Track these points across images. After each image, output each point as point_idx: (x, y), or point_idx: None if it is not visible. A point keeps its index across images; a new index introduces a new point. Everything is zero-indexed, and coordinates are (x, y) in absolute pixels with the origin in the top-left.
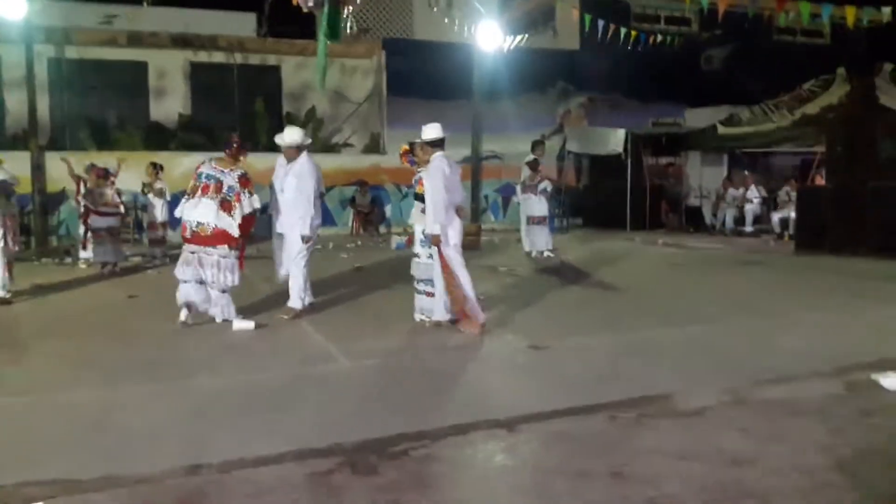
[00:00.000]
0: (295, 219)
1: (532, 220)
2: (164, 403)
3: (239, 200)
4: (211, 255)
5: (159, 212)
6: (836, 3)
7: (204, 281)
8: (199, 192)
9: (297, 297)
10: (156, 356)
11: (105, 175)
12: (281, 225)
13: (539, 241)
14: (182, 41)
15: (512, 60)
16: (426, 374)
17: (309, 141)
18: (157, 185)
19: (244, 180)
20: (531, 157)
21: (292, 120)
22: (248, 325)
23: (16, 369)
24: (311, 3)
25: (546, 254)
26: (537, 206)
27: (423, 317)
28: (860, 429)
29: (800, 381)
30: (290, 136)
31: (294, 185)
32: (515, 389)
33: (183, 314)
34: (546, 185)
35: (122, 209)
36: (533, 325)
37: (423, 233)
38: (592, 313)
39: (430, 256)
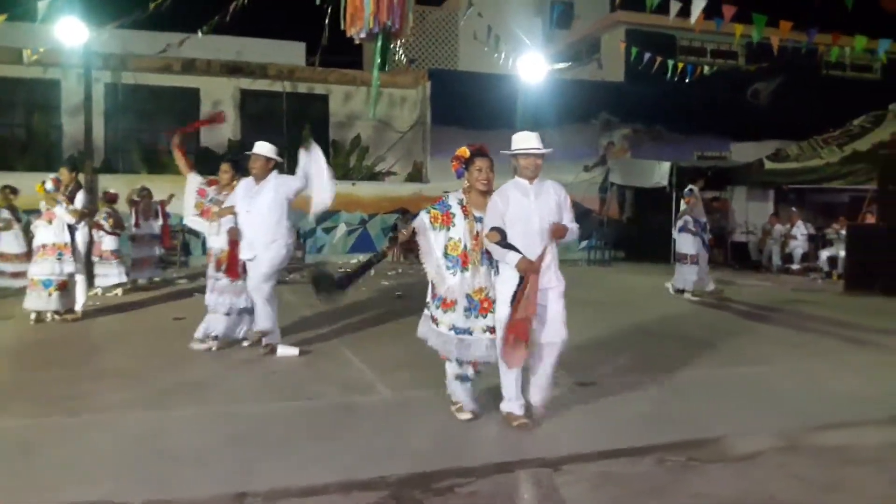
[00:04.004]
0: (265, 242)
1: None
2: (210, 428)
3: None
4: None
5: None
6: (894, 39)
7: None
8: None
9: (269, 318)
10: (202, 379)
11: (114, 199)
12: (248, 249)
13: (680, 279)
14: (233, 69)
15: (555, 91)
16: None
17: (280, 160)
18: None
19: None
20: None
21: (338, 147)
22: (293, 351)
23: (69, 389)
24: (363, 35)
25: (687, 295)
26: (679, 242)
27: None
28: None
29: (855, 428)
30: (260, 147)
31: (267, 204)
32: (562, 428)
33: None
34: (684, 221)
35: (119, 232)
36: (578, 360)
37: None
38: (638, 350)
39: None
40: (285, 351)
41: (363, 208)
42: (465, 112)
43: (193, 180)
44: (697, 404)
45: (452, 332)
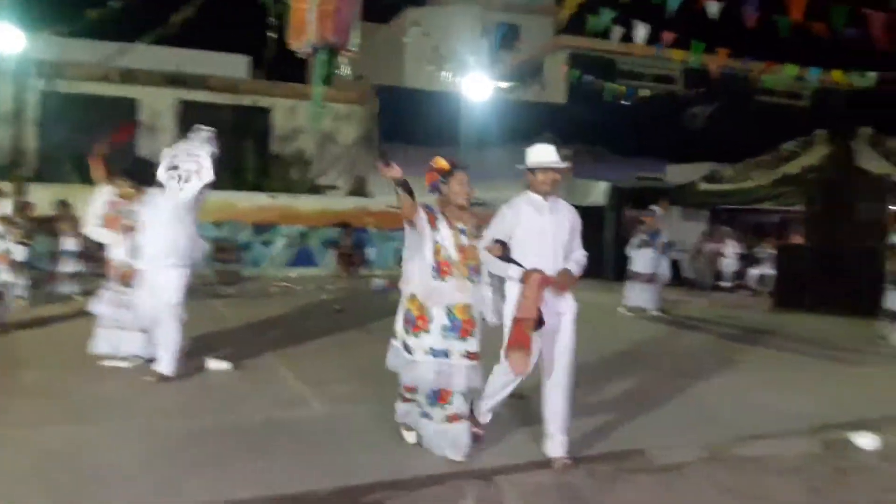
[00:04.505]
0: (166, 252)
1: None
2: (137, 444)
3: None
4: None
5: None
6: (823, 67)
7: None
8: None
9: (172, 358)
10: (126, 394)
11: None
12: (150, 261)
13: (634, 298)
14: (174, 80)
15: (499, 111)
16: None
17: None
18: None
19: None
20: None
21: (280, 161)
22: (225, 365)
23: None
24: (307, 49)
25: (621, 309)
26: (634, 259)
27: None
28: (838, 487)
29: (777, 439)
30: None
31: (169, 211)
32: (494, 439)
33: None
34: (640, 239)
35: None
36: None
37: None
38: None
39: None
40: (216, 365)
41: (303, 221)
42: (411, 128)
43: (106, 192)
44: (628, 417)
45: (430, 357)
